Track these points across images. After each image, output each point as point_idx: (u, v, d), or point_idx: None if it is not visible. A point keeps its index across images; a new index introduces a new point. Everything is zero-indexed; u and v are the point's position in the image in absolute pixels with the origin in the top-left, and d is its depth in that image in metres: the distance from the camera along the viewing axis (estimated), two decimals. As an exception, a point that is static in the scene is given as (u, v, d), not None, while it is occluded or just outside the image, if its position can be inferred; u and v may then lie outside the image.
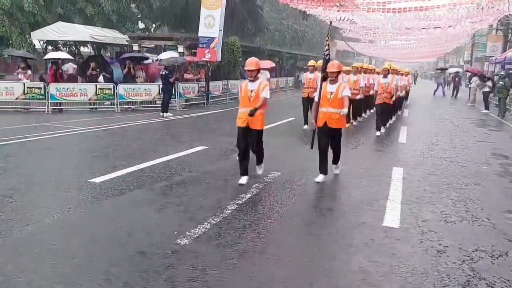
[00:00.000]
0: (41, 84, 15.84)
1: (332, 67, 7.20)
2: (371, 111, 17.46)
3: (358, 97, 14.04)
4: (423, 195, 6.74)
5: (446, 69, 41.05)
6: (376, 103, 12.92)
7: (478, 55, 45.60)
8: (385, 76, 12.74)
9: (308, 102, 12.89)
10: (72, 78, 18.56)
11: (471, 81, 27.26)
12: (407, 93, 20.72)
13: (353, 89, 13.19)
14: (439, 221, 5.59)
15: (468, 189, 7.19)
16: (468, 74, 30.01)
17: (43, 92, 15.45)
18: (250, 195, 6.34)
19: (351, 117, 13.83)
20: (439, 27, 26.13)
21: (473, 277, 4.07)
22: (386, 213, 5.80)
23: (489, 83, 22.72)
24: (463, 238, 5.03)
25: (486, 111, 21.38)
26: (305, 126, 13.18)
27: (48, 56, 19.11)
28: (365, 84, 14.94)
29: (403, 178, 7.65)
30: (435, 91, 35.05)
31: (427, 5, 20.25)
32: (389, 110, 13.63)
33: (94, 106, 16.47)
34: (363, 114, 16.74)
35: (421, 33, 30.91)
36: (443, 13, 22.38)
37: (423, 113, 20.27)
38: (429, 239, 4.94)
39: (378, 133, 12.60)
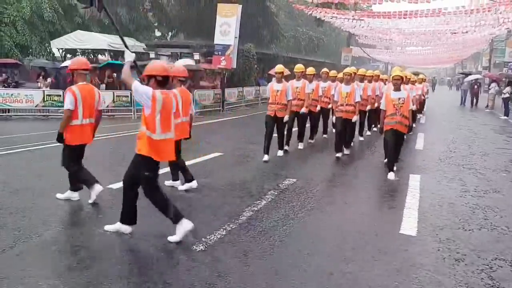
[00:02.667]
0: (60, 92, 16.09)
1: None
2: (371, 130, 14.12)
3: (354, 118, 9.73)
4: (441, 202, 6.66)
5: (470, 74, 35.89)
6: (384, 128, 8.26)
7: (497, 60, 45.03)
8: (397, 89, 8.17)
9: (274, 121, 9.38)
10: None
11: (489, 87, 26.94)
12: (422, 104, 17.24)
13: (346, 104, 9.63)
14: (457, 229, 5.52)
15: (487, 196, 7.09)
16: (487, 80, 29.27)
17: (62, 100, 15.68)
18: (265, 202, 6.34)
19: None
20: (456, 32, 25.94)
21: (492, 286, 4.01)
22: (403, 220, 5.75)
23: (508, 89, 22.39)
24: (482, 246, 4.96)
25: (505, 117, 21.09)
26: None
27: (64, 64, 19.44)
28: (364, 96, 11.48)
29: (420, 185, 7.57)
30: (464, 100, 29.46)
31: (444, 7, 20.10)
32: (402, 142, 8.91)
33: (112, 113, 16.67)
34: (360, 137, 12.81)
35: (438, 38, 30.75)
36: (460, 18, 22.26)
37: (440, 119, 20.06)
38: (447, 247, 4.88)
39: (391, 176, 8.05)
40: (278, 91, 9.24)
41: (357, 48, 46.86)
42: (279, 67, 9.42)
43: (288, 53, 36.17)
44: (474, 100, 28.19)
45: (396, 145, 8.29)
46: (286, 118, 9.22)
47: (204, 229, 5.16)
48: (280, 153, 9.77)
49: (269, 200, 6.46)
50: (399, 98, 8.07)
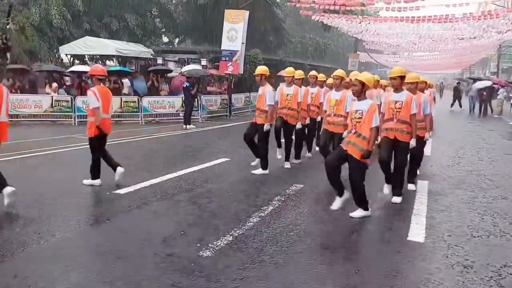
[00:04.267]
0: (68, 97, 16.22)
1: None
2: None
3: (345, 134, 6.70)
4: (449, 209, 6.61)
5: (479, 79, 32.91)
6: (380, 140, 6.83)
7: (505, 66, 44.82)
8: (396, 91, 6.83)
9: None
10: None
11: (498, 93, 26.74)
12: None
13: (334, 114, 7.88)
14: (465, 235, 5.47)
15: (496, 202, 7.03)
16: (496, 86, 28.65)
17: (70, 105, 15.81)
18: (272, 207, 6.33)
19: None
20: (463, 38, 25.87)
21: (501, 294, 3.97)
22: (411, 227, 5.71)
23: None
24: (491, 253, 4.91)
25: (514, 123, 20.95)
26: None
27: (71, 69, 19.60)
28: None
29: (428, 192, 7.52)
30: (472, 108, 27.24)
31: (452, 13, 20.05)
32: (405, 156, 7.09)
33: (119, 119, 16.73)
34: None
35: (445, 43, 30.65)
36: (468, 24, 22.20)
37: (448, 125, 19.95)
38: (455, 254, 4.83)
39: (397, 200, 6.82)
40: (288, 95, 8.79)
41: (364, 53, 46.84)
42: (288, 70, 9.04)
43: (295, 59, 36.22)
44: (482, 109, 26.20)
45: (397, 158, 6.85)
46: (298, 125, 8.90)
47: (210, 234, 5.16)
48: (287, 165, 9.19)
49: (276, 205, 6.44)
50: (395, 102, 6.71)
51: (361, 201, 5.95)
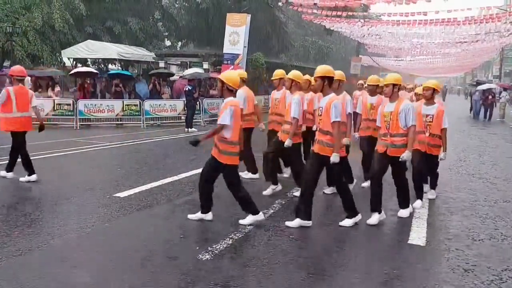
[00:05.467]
0: (70, 101, 16.25)
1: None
2: None
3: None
4: (450, 212, 6.58)
5: (484, 82, 31.93)
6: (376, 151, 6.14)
7: (507, 69, 44.74)
8: (391, 100, 5.98)
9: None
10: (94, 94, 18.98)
11: (500, 96, 26.64)
12: None
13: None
14: (466, 239, 5.44)
15: (498, 206, 7.00)
16: (498, 88, 28.44)
17: (72, 109, 15.83)
18: (272, 211, 6.31)
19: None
20: (466, 42, 25.85)
21: (502, 298, 3.94)
22: (412, 230, 5.68)
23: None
24: (492, 256, 4.88)
25: (517, 126, 20.88)
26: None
27: (73, 71, 19.66)
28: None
29: (429, 195, 7.48)
30: (477, 111, 26.28)
31: (454, 17, 20.02)
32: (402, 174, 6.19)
33: (121, 122, 16.76)
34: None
35: (447, 47, 30.63)
36: (470, 27, 22.16)
37: (450, 128, 19.85)
38: (456, 258, 4.80)
39: (372, 221, 5.90)
40: (277, 99, 7.86)
41: (366, 57, 46.84)
42: (276, 73, 8.02)
43: (297, 62, 36.26)
44: (488, 113, 25.22)
45: (395, 174, 6.10)
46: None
47: (210, 238, 5.15)
48: (286, 174, 8.23)
49: (277, 209, 6.43)
50: (390, 113, 5.91)
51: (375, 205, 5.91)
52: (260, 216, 5.70)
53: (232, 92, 5.69)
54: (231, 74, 5.85)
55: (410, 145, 5.76)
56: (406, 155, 5.68)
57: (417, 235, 5.49)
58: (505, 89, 27.33)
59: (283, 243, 5.11)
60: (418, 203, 6.69)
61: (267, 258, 4.62)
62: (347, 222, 5.76)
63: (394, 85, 5.88)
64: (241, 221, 5.69)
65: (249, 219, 5.67)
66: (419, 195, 6.78)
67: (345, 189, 5.92)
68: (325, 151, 5.56)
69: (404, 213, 6.19)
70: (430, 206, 6.81)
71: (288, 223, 5.66)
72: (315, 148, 5.73)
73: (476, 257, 4.83)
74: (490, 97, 25.55)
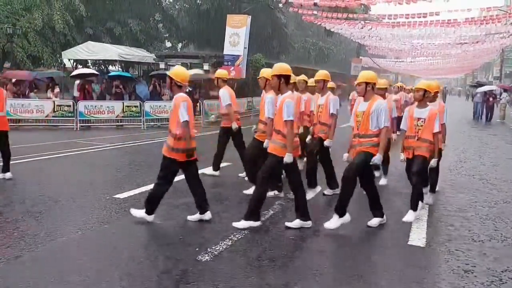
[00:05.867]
0: (70, 102, 16.27)
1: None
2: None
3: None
4: (450, 213, 6.57)
5: (485, 83, 31.32)
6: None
7: (508, 71, 44.72)
8: (365, 100, 5.73)
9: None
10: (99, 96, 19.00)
11: (500, 97, 26.62)
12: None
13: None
14: (466, 240, 5.43)
15: (498, 207, 6.99)
16: (498, 90, 28.24)
17: (72, 110, 15.84)
18: (273, 212, 6.30)
19: None
20: (466, 43, 25.84)
21: (502, 299, 3.93)
22: (412, 231, 5.67)
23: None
24: (492, 258, 4.87)
25: (517, 127, 20.87)
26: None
27: (74, 73, 19.67)
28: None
29: (429, 196, 7.47)
30: (479, 114, 25.65)
31: (454, 18, 20.02)
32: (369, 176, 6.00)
33: (121, 123, 16.76)
34: None
35: (448, 48, 30.63)
36: (469, 29, 22.18)
37: (450, 129, 19.85)
38: (455, 259, 4.79)
39: (331, 224, 5.66)
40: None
41: (367, 58, 46.87)
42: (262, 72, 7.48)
43: (297, 64, 36.25)
44: (489, 114, 24.72)
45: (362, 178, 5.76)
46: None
47: (210, 239, 5.14)
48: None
49: (277, 210, 6.42)
50: (363, 112, 5.65)
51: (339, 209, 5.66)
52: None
53: (181, 88, 5.70)
54: (179, 70, 5.84)
55: (382, 148, 5.46)
56: (377, 159, 5.43)
57: (417, 236, 5.48)
58: (505, 90, 27.28)
59: (283, 244, 5.10)
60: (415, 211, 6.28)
61: (267, 259, 4.61)
62: (294, 224, 5.62)
63: (367, 83, 5.59)
64: (189, 217, 5.79)
65: (196, 216, 5.79)
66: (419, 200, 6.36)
67: (298, 190, 5.73)
68: (277, 151, 5.46)
69: (373, 222, 5.84)
70: (430, 207, 6.80)
71: (288, 224, 5.66)
72: (269, 147, 5.66)
73: (476, 258, 4.81)
74: (491, 98, 25.15)
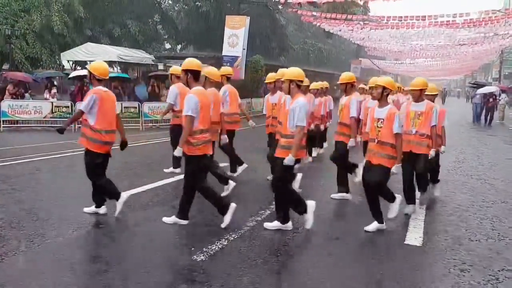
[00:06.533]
0: (68, 103, 16.25)
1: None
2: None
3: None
4: (448, 213, 6.56)
5: (484, 85, 29.86)
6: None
7: (507, 72, 44.73)
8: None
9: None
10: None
11: (499, 98, 26.55)
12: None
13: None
14: (463, 239, 5.41)
15: (495, 207, 6.97)
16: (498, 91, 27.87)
17: (70, 111, 15.81)
18: (269, 211, 6.27)
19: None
20: (465, 44, 25.85)
21: (498, 298, 3.91)
22: (408, 231, 5.66)
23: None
24: (489, 257, 4.85)
25: (516, 128, 20.85)
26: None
27: (72, 74, 19.66)
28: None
29: (427, 195, 7.45)
30: (478, 116, 24.70)
31: (452, 19, 20.03)
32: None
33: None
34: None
35: (447, 49, 30.64)
36: (469, 30, 22.20)
37: (448, 130, 19.81)
38: (452, 258, 4.77)
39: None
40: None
41: (366, 59, 46.93)
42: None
43: (297, 65, 36.22)
44: (489, 116, 23.68)
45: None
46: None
47: (205, 238, 5.11)
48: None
49: (273, 210, 6.37)
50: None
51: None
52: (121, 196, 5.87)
53: (101, 82, 5.83)
54: (98, 65, 5.95)
55: (295, 148, 5.21)
56: (288, 160, 5.20)
57: (414, 236, 5.46)
58: (503, 91, 27.22)
59: (278, 244, 5.08)
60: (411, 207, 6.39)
61: (263, 259, 4.59)
62: (273, 225, 5.53)
63: (290, 81, 5.39)
64: (165, 219, 5.64)
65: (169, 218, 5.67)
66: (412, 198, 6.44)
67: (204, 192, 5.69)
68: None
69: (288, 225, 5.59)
70: (428, 207, 6.78)
71: (266, 225, 5.53)
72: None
73: (472, 258, 4.79)
74: (491, 100, 24.16)
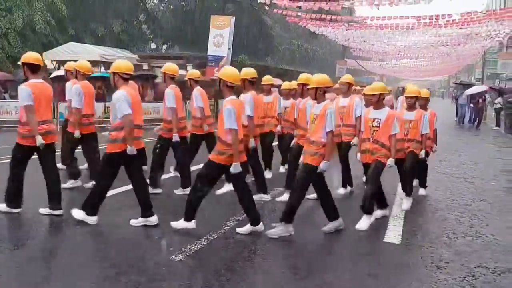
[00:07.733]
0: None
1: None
2: None
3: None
4: (427, 211, 6.64)
5: (471, 84, 29.17)
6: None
7: (489, 73, 45.30)
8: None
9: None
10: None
11: (495, 102, 26.46)
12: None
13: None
14: (441, 237, 5.47)
15: (474, 205, 7.05)
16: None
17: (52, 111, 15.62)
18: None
19: None
20: (447, 45, 26.11)
21: (473, 294, 3.96)
22: (388, 229, 5.69)
23: (500, 100, 22.35)
24: (466, 254, 4.90)
25: (497, 127, 21.13)
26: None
27: (54, 75, 19.45)
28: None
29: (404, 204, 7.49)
30: (462, 117, 23.45)
31: (435, 20, 20.21)
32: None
33: (103, 125, 16.57)
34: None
35: (430, 50, 30.93)
36: (452, 31, 22.43)
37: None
38: (429, 255, 4.82)
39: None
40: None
41: (352, 60, 47.07)
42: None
43: (282, 65, 36.32)
44: (477, 118, 22.15)
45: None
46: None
47: (185, 239, 5.08)
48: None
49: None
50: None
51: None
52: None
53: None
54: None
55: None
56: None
57: (393, 234, 5.50)
58: (486, 92, 27.36)
59: (259, 244, 5.07)
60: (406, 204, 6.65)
61: (242, 259, 4.59)
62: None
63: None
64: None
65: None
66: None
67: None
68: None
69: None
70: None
71: (238, 230, 5.40)
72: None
73: (450, 255, 4.84)
74: (480, 100, 22.57)
